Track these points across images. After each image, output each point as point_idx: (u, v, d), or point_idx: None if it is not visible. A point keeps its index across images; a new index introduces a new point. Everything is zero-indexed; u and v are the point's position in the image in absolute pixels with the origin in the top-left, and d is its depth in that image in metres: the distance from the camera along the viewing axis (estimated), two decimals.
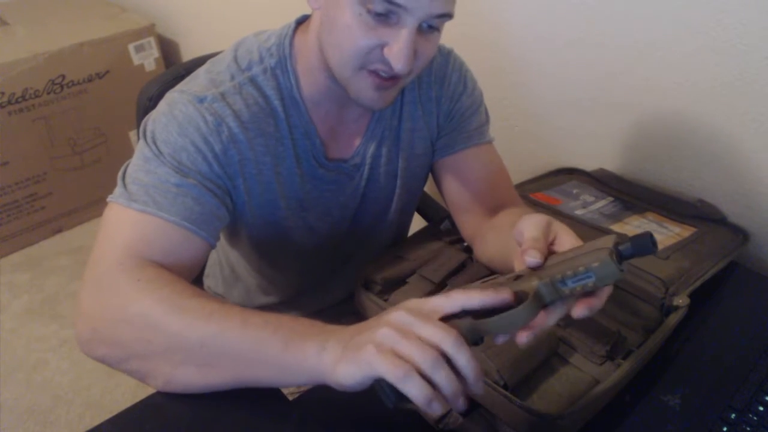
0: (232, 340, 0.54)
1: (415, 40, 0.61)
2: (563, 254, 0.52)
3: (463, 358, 0.46)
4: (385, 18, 0.59)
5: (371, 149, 0.80)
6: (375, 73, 0.63)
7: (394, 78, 0.64)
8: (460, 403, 0.46)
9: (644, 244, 0.48)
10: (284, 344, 0.52)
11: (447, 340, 0.46)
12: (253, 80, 0.71)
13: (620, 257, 0.48)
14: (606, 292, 0.51)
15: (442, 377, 0.45)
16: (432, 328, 0.46)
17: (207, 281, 1.05)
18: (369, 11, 0.59)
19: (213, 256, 1.01)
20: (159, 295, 0.56)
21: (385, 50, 0.61)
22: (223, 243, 0.92)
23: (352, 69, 0.64)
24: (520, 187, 1.01)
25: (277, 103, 0.72)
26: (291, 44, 0.72)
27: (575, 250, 0.51)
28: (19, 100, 1.80)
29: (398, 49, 0.60)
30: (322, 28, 0.67)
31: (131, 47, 2.00)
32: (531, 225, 0.54)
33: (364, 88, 0.65)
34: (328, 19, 0.64)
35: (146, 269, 0.59)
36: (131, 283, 0.58)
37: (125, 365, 0.58)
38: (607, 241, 0.49)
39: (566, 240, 0.54)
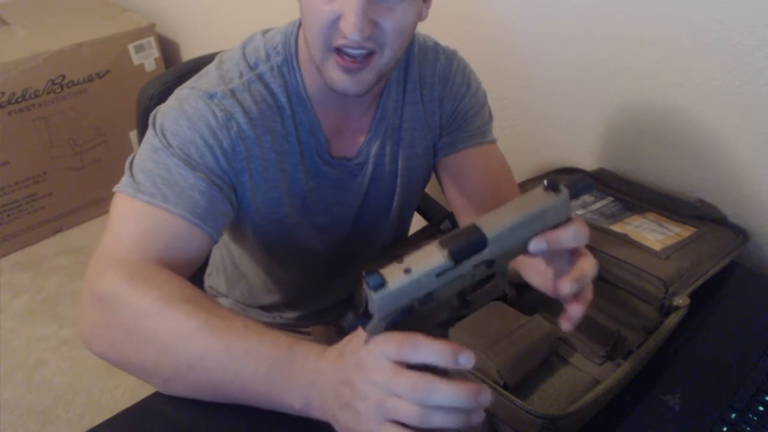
0: (215, 370, 0.54)
1: (373, 10, 0.61)
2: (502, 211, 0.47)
3: (445, 394, 0.43)
4: None
5: (375, 148, 0.80)
6: (341, 53, 0.63)
7: (364, 59, 0.64)
8: (475, 417, 0.44)
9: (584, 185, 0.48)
10: (267, 387, 0.53)
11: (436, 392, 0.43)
12: (261, 77, 0.72)
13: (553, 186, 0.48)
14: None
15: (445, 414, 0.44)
16: (416, 393, 0.43)
17: (208, 280, 1.05)
18: None
19: (216, 255, 1.01)
20: (149, 299, 0.56)
21: (341, 22, 0.61)
22: (226, 241, 0.93)
23: (320, 50, 0.64)
24: (521, 186, 1.01)
25: (284, 100, 0.73)
26: (296, 42, 0.73)
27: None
28: (19, 100, 1.80)
29: (349, 18, 0.60)
30: (302, 21, 0.68)
31: (131, 47, 2.00)
32: None
33: (333, 73, 0.65)
34: (300, 6, 0.66)
35: (143, 269, 0.59)
36: (125, 283, 0.58)
37: (123, 367, 0.59)
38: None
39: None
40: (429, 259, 0.44)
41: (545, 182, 0.47)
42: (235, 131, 0.69)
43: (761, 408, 0.64)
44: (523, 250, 0.48)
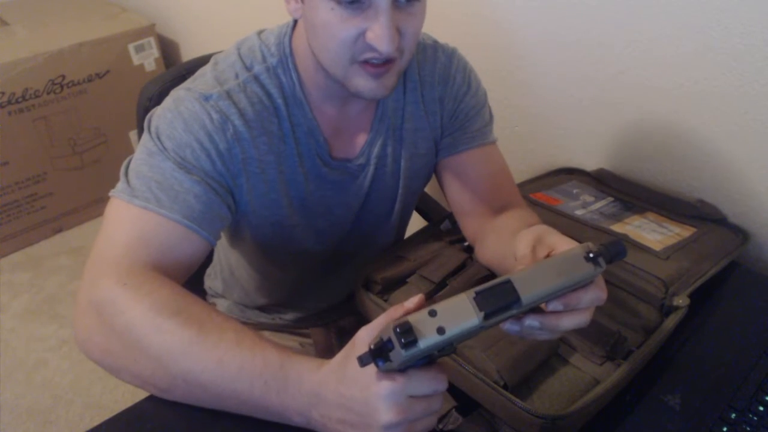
0: (211, 384, 0.54)
1: (395, 18, 0.60)
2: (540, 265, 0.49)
3: (441, 397, 0.51)
4: (357, 5, 0.59)
5: (376, 149, 0.80)
6: (367, 63, 0.63)
7: (387, 63, 0.64)
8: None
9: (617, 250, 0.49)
10: (265, 404, 0.53)
11: (438, 407, 0.50)
12: (257, 78, 0.71)
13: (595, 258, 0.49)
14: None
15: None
16: (433, 409, 0.50)
17: (208, 281, 1.05)
18: (339, 3, 0.59)
19: (215, 257, 1.01)
20: (141, 308, 0.56)
21: (368, 36, 0.60)
22: (224, 245, 0.92)
23: (343, 65, 0.64)
24: (520, 187, 1.01)
25: (280, 101, 0.72)
26: (290, 43, 0.73)
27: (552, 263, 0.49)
28: (19, 100, 1.80)
29: (379, 32, 0.59)
30: (307, 34, 0.67)
31: (131, 47, 2.00)
32: (522, 245, 0.55)
33: (361, 81, 0.65)
34: (308, 23, 0.65)
35: (137, 274, 0.59)
36: (118, 288, 0.58)
37: (120, 375, 0.59)
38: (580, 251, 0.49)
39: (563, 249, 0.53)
40: (463, 318, 0.43)
41: (589, 254, 0.48)
42: (231, 133, 0.68)
43: (761, 408, 0.64)
44: (543, 303, 0.49)
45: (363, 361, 0.45)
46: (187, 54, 2.24)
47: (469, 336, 0.46)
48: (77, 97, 1.93)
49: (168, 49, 2.25)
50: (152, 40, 2.05)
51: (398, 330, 0.41)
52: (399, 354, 0.42)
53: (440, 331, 0.42)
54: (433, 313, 0.42)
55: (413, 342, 0.41)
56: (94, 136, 2.03)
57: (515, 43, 1.14)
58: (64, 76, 1.87)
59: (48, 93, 1.85)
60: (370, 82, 0.65)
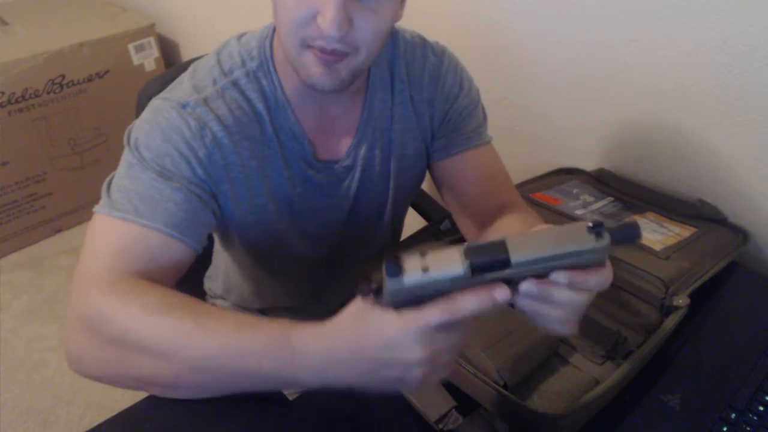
0: (218, 369, 0.54)
1: (350, 7, 0.59)
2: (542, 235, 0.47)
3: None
4: None
5: (363, 151, 0.79)
6: (317, 48, 0.62)
7: (337, 53, 0.62)
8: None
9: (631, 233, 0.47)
10: (275, 377, 0.53)
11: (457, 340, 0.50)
12: (235, 84, 0.71)
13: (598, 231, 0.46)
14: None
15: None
16: (452, 342, 0.50)
17: (207, 282, 1.05)
18: None
19: (215, 259, 1.01)
20: (134, 310, 0.56)
21: (318, 18, 0.60)
22: (222, 248, 0.92)
23: (295, 48, 0.63)
24: (520, 187, 1.01)
25: (260, 106, 0.71)
26: (272, 46, 0.72)
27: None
28: (19, 100, 1.80)
29: (327, 14, 0.59)
30: (274, 20, 0.67)
31: (131, 47, 2.00)
32: None
33: (312, 68, 0.64)
34: (274, 5, 0.65)
35: (123, 282, 0.59)
36: (106, 298, 0.57)
37: (120, 384, 0.59)
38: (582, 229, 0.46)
39: None
40: (449, 264, 0.44)
41: (590, 223, 0.45)
42: (210, 139, 0.68)
43: (761, 408, 0.64)
44: (544, 275, 0.47)
45: (363, 291, 0.47)
46: (187, 54, 2.24)
47: (454, 286, 0.45)
48: (77, 97, 1.93)
49: (168, 49, 2.25)
50: (152, 40, 2.05)
51: (386, 261, 0.44)
52: (386, 286, 0.44)
53: (425, 269, 0.44)
54: (423, 254, 0.44)
55: (396, 273, 0.44)
56: (94, 136, 2.03)
57: (515, 43, 1.14)
58: (64, 76, 1.87)
59: (48, 93, 1.85)
60: (319, 69, 0.63)
